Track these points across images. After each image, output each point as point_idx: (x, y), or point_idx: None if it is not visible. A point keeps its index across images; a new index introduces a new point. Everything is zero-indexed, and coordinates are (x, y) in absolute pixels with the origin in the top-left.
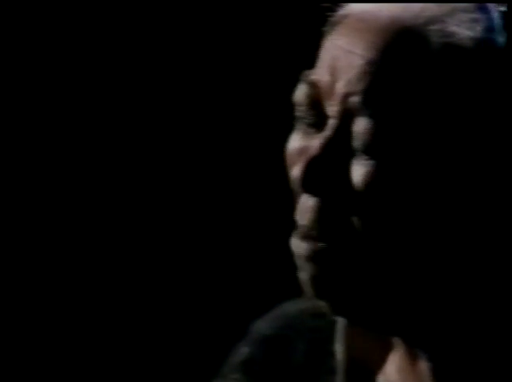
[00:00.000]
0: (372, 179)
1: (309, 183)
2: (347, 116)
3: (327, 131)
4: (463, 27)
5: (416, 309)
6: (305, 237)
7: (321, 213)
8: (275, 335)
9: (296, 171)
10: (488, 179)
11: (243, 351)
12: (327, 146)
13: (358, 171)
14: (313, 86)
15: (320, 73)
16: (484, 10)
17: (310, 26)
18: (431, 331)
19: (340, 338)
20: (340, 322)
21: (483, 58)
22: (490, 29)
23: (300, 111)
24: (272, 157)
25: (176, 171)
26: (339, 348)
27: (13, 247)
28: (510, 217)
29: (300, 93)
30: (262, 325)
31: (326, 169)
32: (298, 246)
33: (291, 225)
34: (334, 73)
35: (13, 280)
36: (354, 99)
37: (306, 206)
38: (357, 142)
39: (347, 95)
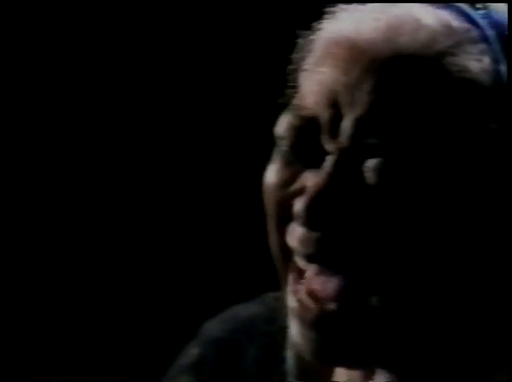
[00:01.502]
0: (387, 216)
1: (315, 218)
2: (353, 153)
3: (330, 167)
4: (473, 59)
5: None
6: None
7: (327, 245)
8: (226, 338)
9: (298, 205)
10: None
11: (193, 352)
12: (331, 182)
13: (371, 208)
14: (306, 120)
15: (315, 107)
16: (488, 41)
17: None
18: (393, 351)
19: (291, 344)
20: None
21: (494, 91)
22: (496, 60)
23: (286, 143)
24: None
25: (168, 172)
26: (290, 354)
27: (12, 247)
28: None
29: (287, 126)
30: (213, 328)
31: (332, 205)
32: (302, 304)
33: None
34: (336, 109)
35: (11, 279)
36: (368, 138)
37: (307, 237)
38: (370, 179)
39: (357, 134)
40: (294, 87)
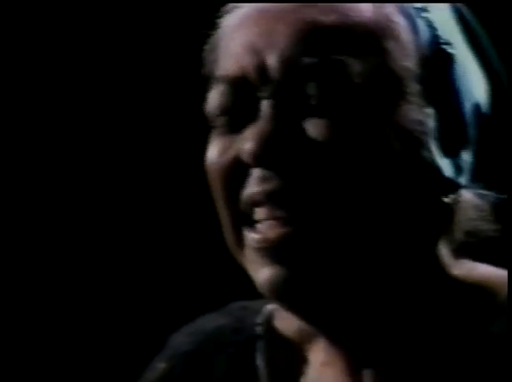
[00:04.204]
0: (329, 136)
1: (270, 157)
2: (289, 83)
3: (269, 109)
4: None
5: (353, 297)
6: (270, 218)
7: (283, 182)
8: (194, 350)
9: (247, 147)
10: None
11: (160, 366)
12: (274, 122)
13: (315, 131)
14: (236, 80)
15: (237, 63)
16: (415, 28)
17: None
18: (356, 327)
19: (262, 353)
20: (261, 338)
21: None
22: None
23: (219, 115)
24: None
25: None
26: (260, 363)
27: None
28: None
29: (216, 97)
30: (180, 340)
31: (282, 140)
32: (263, 232)
33: None
34: (258, 53)
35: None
36: (299, 60)
37: (264, 176)
38: (312, 102)
39: (287, 60)
40: (212, 63)
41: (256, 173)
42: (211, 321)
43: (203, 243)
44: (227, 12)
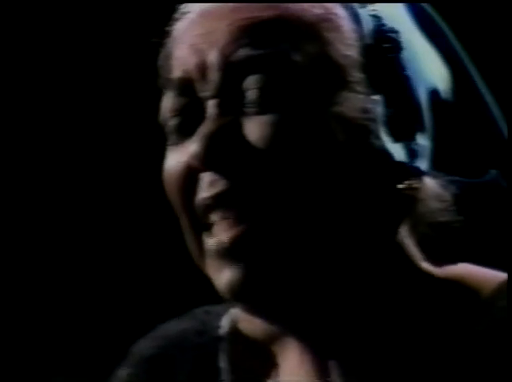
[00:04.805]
0: (273, 132)
1: (215, 158)
2: (229, 80)
3: (214, 107)
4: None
5: (316, 295)
6: (226, 218)
7: (236, 183)
8: (158, 355)
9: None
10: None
11: (123, 373)
12: (220, 115)
13: (256, 128)
14: (182, 82)
15: (181, 66)
16: (359, 21)
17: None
18: (324, 326)
19: (225, 355)
20: (224, 339)
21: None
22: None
23: (173, 119)
24: None
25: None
26: (224, 365)
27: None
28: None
29: (168, 101)
30: (144, 346)
31: (226, 140)
32: (217, 235)
33: None
34: (200, 53)
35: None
36: (238, 55)
37: (213, 179)
38: (250, 97)
39: (227, 56)
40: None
41: (206, 177)
42: (174, 326)
43: (168, 253)
44: (177, 19)
